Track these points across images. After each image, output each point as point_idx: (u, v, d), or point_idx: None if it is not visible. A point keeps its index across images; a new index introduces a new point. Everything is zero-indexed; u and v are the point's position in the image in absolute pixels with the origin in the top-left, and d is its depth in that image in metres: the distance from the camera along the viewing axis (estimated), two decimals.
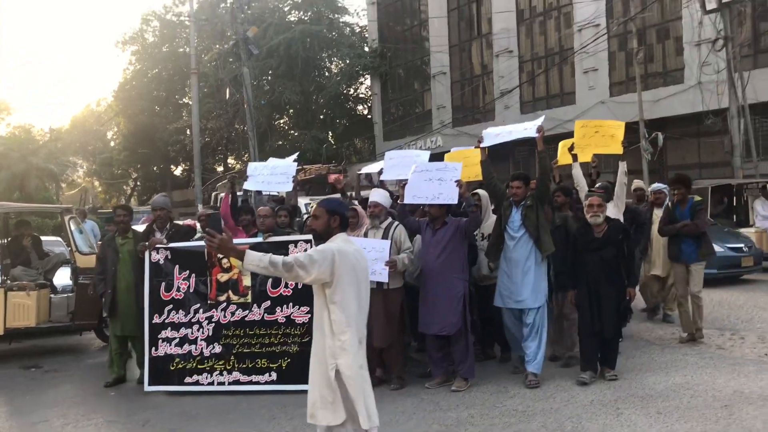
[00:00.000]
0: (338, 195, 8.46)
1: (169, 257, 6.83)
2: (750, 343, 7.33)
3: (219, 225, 7.58)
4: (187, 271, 6.78)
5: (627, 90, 22.17)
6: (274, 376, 6.44)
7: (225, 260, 6.69)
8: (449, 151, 8.43)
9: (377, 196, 6.57)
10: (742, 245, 11.79)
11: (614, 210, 6.92)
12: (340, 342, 3.67)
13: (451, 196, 6.19)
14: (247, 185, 8.09)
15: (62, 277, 9.14)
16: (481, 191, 6.97)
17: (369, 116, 35.44)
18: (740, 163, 16.71)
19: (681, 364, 6.61)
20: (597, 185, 7.45)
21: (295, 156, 8.35)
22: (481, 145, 6.64)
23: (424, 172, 6.39)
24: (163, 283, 6.78)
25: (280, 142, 33.64)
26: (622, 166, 7.12)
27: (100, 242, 8.76)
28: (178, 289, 6.76)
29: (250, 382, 6.49)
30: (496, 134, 6.74)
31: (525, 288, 6.15)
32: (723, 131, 17.57)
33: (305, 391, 6.14)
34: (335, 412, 3.67)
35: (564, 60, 24.60)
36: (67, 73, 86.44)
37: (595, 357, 6.24)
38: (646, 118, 20.03)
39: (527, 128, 6.58)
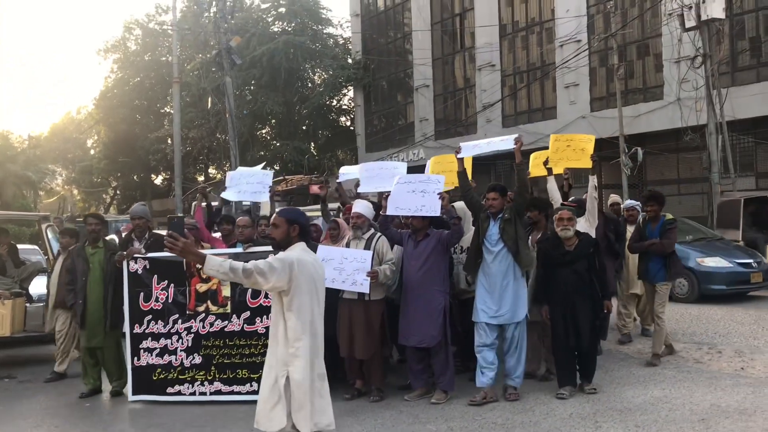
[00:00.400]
0: (319, 205, 8.41)
1: (148, 267, 6.75)
2: (727, 357, 7.39)
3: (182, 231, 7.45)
4: (166, 281, 6.71)
5: (608, 105, 22.45)
6: (255, 386, 6.36)
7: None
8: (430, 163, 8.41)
9: (360, 207, 6.55)
10: (751, 261, 11.68)
11: (586, 224, 6.83)
12: (293, 349, 3.74)
13: (433, 209, 6.18)
14: (225, 195, 8.03)
15: (38, 286, 8.98)
16: (457, 204, 6.90)
17: (352, 128, 35.53)
18: (718, 179, 16.92)
19: (659, 377, 6.65)
20: (570, 199, 7.48)
21: (263, 164, 8.33)
22: (458, 156, 6.63)
23: (407, 184, 6.38)
24: (142, 293, 6.70)
25: (262, 153, 33.57)
26: (592, 180, 7.06)
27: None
28: (157, 300, 6.69)
29: (232, 392, 6.44)
30: (473, 145, 6.79)
31: (505, 303, 6.04)
32: (701, 147, 17.81)
33: None
34: (272, 420, 3.74)
35: (546, 75, 24.85)
36: (47, 79, 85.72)
37: (573, 371, 6.24)
38: (626, 133, 20.28)
39: (504, 139, 6.58)
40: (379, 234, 6.45)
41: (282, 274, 3.65)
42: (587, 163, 7.24)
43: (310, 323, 3.78)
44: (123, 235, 7.90)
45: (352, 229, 6.58)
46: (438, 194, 6.19)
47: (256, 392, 6.30)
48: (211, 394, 6.49)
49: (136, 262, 6.77)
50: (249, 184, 7.79)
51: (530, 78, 25.86)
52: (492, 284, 6.08)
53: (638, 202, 8.41)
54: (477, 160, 6.73)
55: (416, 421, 5.63)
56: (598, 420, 5.42)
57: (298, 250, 3.84)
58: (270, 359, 3.84)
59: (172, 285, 6.69)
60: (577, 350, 6.18)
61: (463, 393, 6.25)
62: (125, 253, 6.81)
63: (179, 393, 6.54)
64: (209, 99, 26.54)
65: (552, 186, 7.28)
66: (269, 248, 6.67)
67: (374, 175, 7.53)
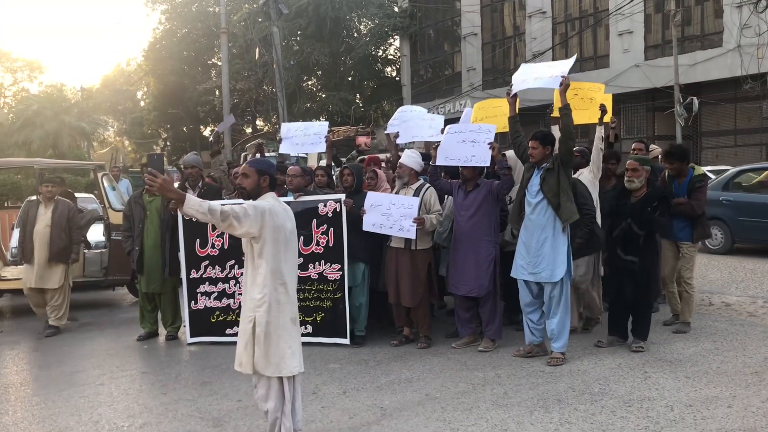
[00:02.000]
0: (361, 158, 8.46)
1: None
2: None
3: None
4: None
5: (662, 53, 21.66)
6: (309, 329, 6.55)
7: None
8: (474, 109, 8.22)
9: (405, 158, 6.55)
10: None
11: (590, 176, 6.51)
12: (261, 294, 3.85)
13: (483, 159, 6.08)
14: (282, 148, 8.13)
15: (95, 234, 9.30)
16: (509, 152, 6.77)
17: (397, 78, 35.13)
18: None
19: (710, 330, 6.56)
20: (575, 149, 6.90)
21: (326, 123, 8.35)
22: (510, 96, 6.29)
23: (457, 134, 6.28)
24: (198, 240, 6.88)
25: (308, 104, 33.54)
26: (599, 131, 6.53)
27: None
28: (213, 246, 6.86)
29: None
30: (522, 80, 6.40)
31: (542, 260, 5.74)
32: (761, 96, 17.12)
33: (337, 345, 6.20)
34: (242, 362, 3.97)
35: (598, 22, 24.04)
36: (97, 31, 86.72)
37: (621, 325, 6.18)
38: (681, 83, 19.58)
39: (553, 76, 6.15)
40: (427, 185, 6.44)
41: (255, 221, 3.75)
42: (596, 114, 6.57)
43: (279, 270, 3.88)
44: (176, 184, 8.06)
45: (398, 178, 6.61)
46: (489, 144, 6.10)
47: (309, 334, 6.54)
48: None
49: None
50: (306, 136, 7.89)
51: (582, 25, 25.05)
52: (529, 238, 5.84)
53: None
54: (525, 110, 6.45)
55: (464, 367, 5.70)
56: (647, 371, 5.40)
57: (270, 200, 3.92)
58: (244, 304, 4.00)
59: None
60: (628, 305, 6.09)
61: (510, 343, 6.29)
62: None
63: (237, 334, 6.74)
64: (257, 50, 26.47)
65: (597, 135, 6.90)
66: (318, 197, 6.74)
67: (411, 121, 7.53)
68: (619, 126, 7.20)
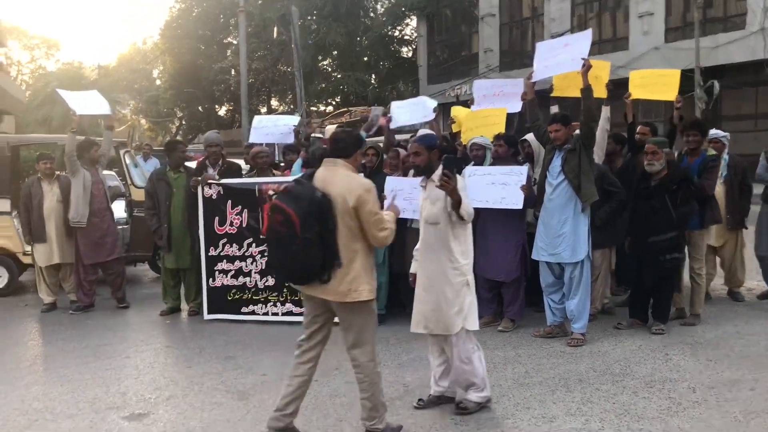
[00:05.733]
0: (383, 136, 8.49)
1: (222, 193, 6.96)
2: None
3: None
4: (240, 207, 6.92)
5: (684, 36, 21.36)
6: None
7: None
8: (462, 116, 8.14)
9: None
10: None
11: (593, 158, 6.26)
12: (467, 260, 4.29)
13: (515, 201, 5.96)
14: (252, 137, 8.67)
15: (117, 210, 9.37)
16: (529, 136, 6.75)
17: (413, 59, 34.91)
18: None
19: (731, 314, 6.56)
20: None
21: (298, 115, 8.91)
22: (533, 78, 6.29)
23: (487, 176, 6.13)
24: (217, 218, 6.94)
25: (323, 85, 33.41)
26: (605, 111, 6.49)
27: None
28: (231, 224, 6.92)
29: (302, 314, 6.64)
30: (544, 66, 6.38)
31: (563, 240, 5.76)
32: None
33: None
34: (455, 323, 4.31)
35: (618, 3, 23.73)
36: (114, 9, 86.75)
37: (642, 307, 6.20)
38: (702, 66, 19.33)
39: (574, 59, 6.07)
40: None
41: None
42: (601, 93, 6.54)
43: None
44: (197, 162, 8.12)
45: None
46: (521, 187, 5.95)
47: None
48: (283, 314, 6.78)
49: (210, 188, 6.98)
50: (276, 127, 8.56)
51: (601, 7, 24.75)
52: (550, 218, 5.84)
53: (725, 133, 7.26)
54: (541, 91, 6.41)
55: (484, 347, 5.63)
56: (668, 353, 5.41)
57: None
58: (428, 267, 4.27)
59: (245, 210, 6.90)
60: (648, 287, 6.10)
61: (528, 324, 6.32)
62: (200, 178, 7.02)
63: (253, 312, 6.85)
64: (274, 28, 26.37)
65: (604, 116, 6.56)
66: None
67: (405, 109, 7.74)
68: (636, 109, 7.09)
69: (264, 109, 37.67)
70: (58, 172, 7.88)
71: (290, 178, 7.07)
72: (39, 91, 30.50)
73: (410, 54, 36.42)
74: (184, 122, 44.88)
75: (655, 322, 6.09)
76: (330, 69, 36.55)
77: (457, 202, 4.03)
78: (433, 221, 4.24)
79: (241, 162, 8.52)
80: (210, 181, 6.98)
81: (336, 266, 3.72)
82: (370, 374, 3.89)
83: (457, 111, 8.31)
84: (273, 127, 8.62)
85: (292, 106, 32.90)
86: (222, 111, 43.48)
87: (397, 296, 6.88)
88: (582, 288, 5.78)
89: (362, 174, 6.50)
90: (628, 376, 4.92)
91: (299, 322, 6.53)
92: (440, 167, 4.16)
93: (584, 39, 6.26)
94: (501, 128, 6.85)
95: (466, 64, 30.44)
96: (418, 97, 8.63)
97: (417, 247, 4.45)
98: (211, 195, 6.98)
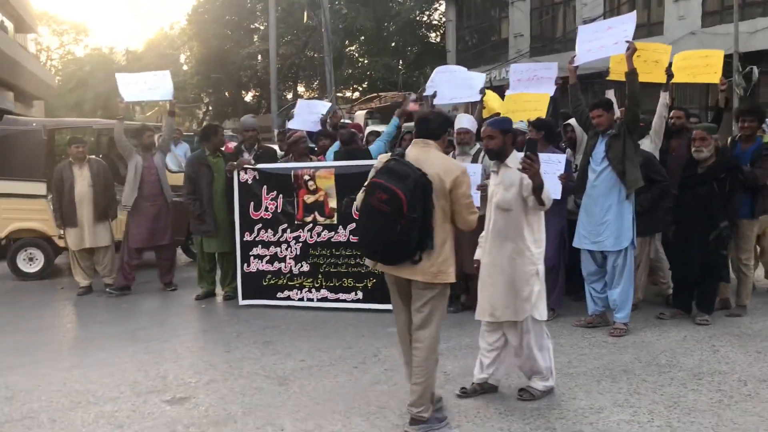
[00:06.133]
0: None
1: (257, 178, 6.92)
2: None
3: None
4: (275, 192, 6.87)
5: (721, 20, 20.83)
6: (360, 295, 6.57)
7: (311, 182, 6.74)
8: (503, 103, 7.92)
9: (466, 122, 6.40)
10: None
11: (651, 145, 6.25)
12: (540, 249, 4.26)
13: (554, 192, 5.80)
14: (291, 124, 8.65)
15: None
16: (572, 121, 6.63)
17: (442, 44, 34.58)
18: None
19: None
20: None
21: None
22: (576, 62, 6.16)
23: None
24: (252, 203, 6.91)
25: (350, 70, 33.23)
26: (663, 97, 6.28)
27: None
28: (266, 209, 6.89)
29: (337, 300, 6.67)
30: (587, 50, 6.21)
31: (606, 227, 5.62)
32: None
33: (388, 311, 6.20)
34: (522, 309, 4.21)
35: None
36: None
37: (686, 298, 6.05)
38: (740, 51, 18.85)
39: (617, 42, 5.91)
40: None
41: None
42: (661, 77, 6.38)
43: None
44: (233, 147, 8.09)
45: (458, 145, 6.46)
46: (559, 177, 5.78)
47: (360, 300, 6.55)
48: (318, 300, 6.75)
49: (246, 173, 6.94)
50: (310, 114, 8.62)
51: None
52: (593, 205, 5.71)
53: None
54: (582, 76, 6.22)
55: None
56: (715, 344, 5.27)
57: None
58: (499, 255, 4.19)
59: (280, 195, 6.85)
60: (693, 278, 5.93)
61: (567, 313, 6.21)
62: (236, 163, 6.98)
63: (288, 298, 6.83)
64: (305, 13, 26.24)
65: (662, 102, 6.56)
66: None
67: (449, 82, 7.43)
68: (672, 95, 6.87)
69: (290, 95, 37.66)
70: (89, 157, 7.90)
71: (326, 164, 7.06)
72: (70, 76, 30.80)
73: (438, 39, 36.07)
74: (210, 108, 45.06)
75: (699, 312, 5.93)
76: (357, 54, 36.37)
77: (539, 186, 3.93)
78: (505, 207, 4.13)
79: (275, 147, 8.49)
80: (246, 166, 6.94)
81: (429, 247, 3.67)
82: (429, 358, 3.83)
83: (486, 97, 8.12)
84: (307, 114, 8.64)
85: (318, 93, 32.81)
86: (248, 97, 43.56)
87: None
88: (625, 277, 5.65)
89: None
90: (675, 367, 4.80)
91: (335, 309, 6.57)
92: (513, 152, 4.10)
93: (629, 21, 6.08)
94: (542, 113, 6.68)
95: (495, 49, 30.05)
96: (462, 69, 7.99)
97: (482, 234, 4.35)
98: (247, 180, 6.94)
